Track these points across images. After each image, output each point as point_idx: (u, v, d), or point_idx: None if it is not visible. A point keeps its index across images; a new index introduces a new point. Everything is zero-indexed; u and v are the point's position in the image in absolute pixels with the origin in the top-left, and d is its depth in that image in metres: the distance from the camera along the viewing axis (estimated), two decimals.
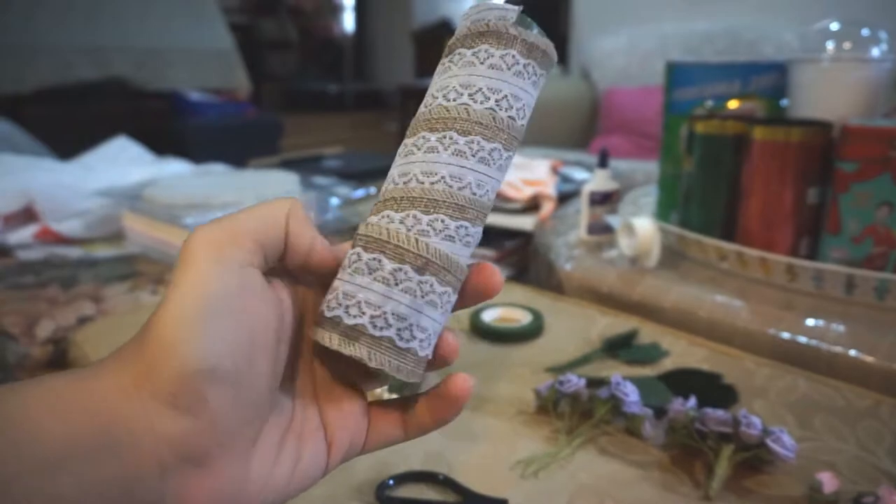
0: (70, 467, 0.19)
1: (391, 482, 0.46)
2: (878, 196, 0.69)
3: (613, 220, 0.93)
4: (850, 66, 0.79)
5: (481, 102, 0.25)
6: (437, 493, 0.46)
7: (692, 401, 0.50)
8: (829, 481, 0.43)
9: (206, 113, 2.78)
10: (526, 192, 1.13)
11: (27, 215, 1.06)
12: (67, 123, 2.31)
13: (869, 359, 0.62)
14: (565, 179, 1.28)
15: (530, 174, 1.22)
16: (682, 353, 0.67)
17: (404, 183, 0.25)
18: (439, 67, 0.27)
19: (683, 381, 0.59)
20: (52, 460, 0.19)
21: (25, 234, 1.03)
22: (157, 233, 0.96)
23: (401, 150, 0.27)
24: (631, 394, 0.52)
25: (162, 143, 1.95)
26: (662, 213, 0.95)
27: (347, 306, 0.24)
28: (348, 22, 5.48)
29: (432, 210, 0.25)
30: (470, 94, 0.25)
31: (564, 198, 1.18)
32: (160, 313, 0.22)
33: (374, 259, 0.25)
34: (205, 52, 2.89)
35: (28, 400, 0.20)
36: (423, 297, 0.25)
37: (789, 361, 0.65)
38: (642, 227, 0.82)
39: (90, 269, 0.94)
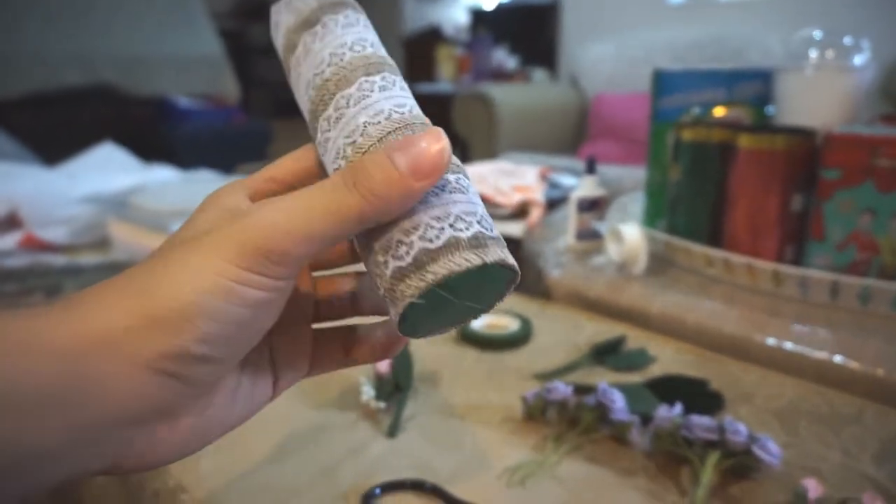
0: (38, 412, 0.19)
1: (378, 491, 0.46)
2: (861, 203, 0.70)
3: (601, 227, 0.94)
4: (832, 74, 0.80)
5: (362, 50, 0.28)
6: (423, 501, 0.46)
7: (678, 408, 0.51)
8: (813, 488, 0.44)
9: (194, 119, 2.77)
10: (514, 199, 1.13)
11: (11, 222, 1.05)
12: (54, 130, 2.30)
13: (853, 364, 0.63)
14: (554, 185, 1.28)
15: (519, 180, 1.22)
16: (670, 359, 0.67)
17: (380, 121, 0.26)
18: (294, 60, 0.29)
19: (670, 388, 0.59)
20: (21, 405, 0.19)
21: (9, 241, 1.02)
22: (143, 240, 0.95)
23: (331, 114, 0.27)
24: (617, 401, 0.52)
25: (150, 149, 1.94)
26: (649, 220, 0.96)
27: (451, 224, 0.23)
28: None
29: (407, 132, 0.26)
30: (350, 48, 0.28)
31: (553, 204, 1.18)
32: (169, 281, 0.22)
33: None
34: (193, 57, 2.88)
35: (4, 338, 0.20)
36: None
37: (775, 367, 0.66)
38: (630, 233, 0.82)
39: (75, 276, 0.93)
